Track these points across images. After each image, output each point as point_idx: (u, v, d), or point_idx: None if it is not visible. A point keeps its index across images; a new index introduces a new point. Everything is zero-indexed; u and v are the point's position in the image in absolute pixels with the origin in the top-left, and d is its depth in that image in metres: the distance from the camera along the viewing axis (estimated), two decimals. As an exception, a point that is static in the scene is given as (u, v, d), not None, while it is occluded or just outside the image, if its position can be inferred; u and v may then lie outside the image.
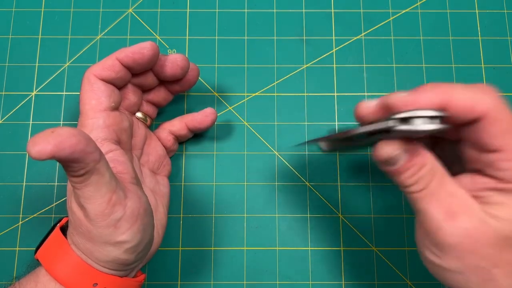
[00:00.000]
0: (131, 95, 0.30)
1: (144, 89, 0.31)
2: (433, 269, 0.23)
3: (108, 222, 0.23)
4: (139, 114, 0.32)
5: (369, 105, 0.24)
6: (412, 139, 0.22)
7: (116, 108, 0.28)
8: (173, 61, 0.29)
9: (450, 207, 0.21)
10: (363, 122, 0.25)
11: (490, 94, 0.21)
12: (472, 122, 0.21)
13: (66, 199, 0.34)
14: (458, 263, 0.21)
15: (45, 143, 0.19)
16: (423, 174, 0.22)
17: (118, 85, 0.29)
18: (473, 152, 0.22)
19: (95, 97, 0.27)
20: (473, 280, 0.21)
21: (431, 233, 0.22)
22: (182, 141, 0.35)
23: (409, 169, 0.22)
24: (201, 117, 0.32)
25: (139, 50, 0.27)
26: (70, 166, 0.21)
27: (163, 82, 0.31)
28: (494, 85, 0.37)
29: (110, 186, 0.23)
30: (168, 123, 0.33)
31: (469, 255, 0.21)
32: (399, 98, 0.21)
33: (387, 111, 0.22)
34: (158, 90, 0.32)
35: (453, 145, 0.25)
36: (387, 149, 0.22)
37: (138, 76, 0.30)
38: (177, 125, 0.33)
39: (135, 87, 0.31)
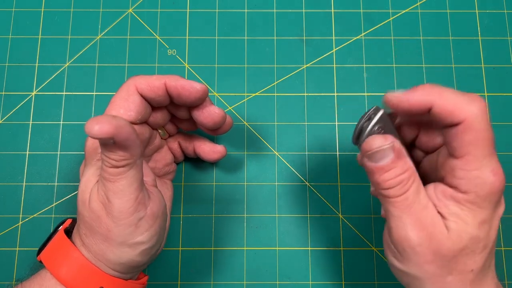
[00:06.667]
0: (159, 116, 0.29)
1: (174, 116, 0.31)
2: (394, 271, 0.25)
3: (131, 220, 0.24)
4: (159, 129, 0.31)
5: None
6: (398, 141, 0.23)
7: (140, 123, 0.28)
8: (210, 113, 0.28)
9: (421, 220, 0.22)
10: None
11: (474, 104, 0.21)
12: (451, 125, 0.22)
13: (66, 199, 0.34)
14: (417, 269, 0.23)
15: (107, 123, 0.21)
16: (404, 178, 0.23)
17: (153, 105, 0.28)
18: (443, 158, 0.23)
19: (126, 108, 0.27)
20: (429, 286, 0.23)
21: (397, 239, 0.23)
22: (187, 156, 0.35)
23: (393, 169, 0.23)
24: (209, 150, 0.32)
25: (189, 88, 0.27)
26: (116, 154, 0.22)
27: None
28: (493, 85, 0.37)
29: (141, 184, 0.24)
30: (180, 136, 0.33)
31: (428, 264, 0.22)
32: (393, 96, 0.23)
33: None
34: (187, 120, 0.31)
35: (429, 154, 0.26)
36: (378, 140, 0.23)
37: (175, 105, 0.29)
38: (187, 142, 0.33)
39: (167, 111, 0.30)
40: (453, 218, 0.22)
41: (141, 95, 0.27)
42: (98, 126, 0.20)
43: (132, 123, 0.27)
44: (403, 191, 0.23)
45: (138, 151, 0.23)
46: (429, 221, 0.22)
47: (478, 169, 0.22)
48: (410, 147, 0.27)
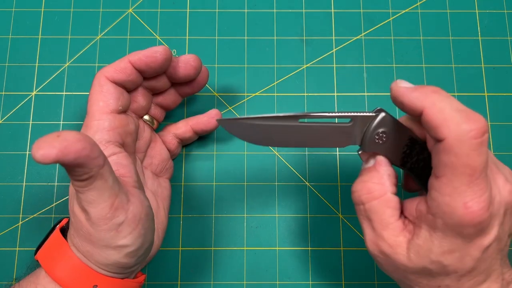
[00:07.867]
0: (140, 99, 0.30)
1: (155, 92, 0.31)
2: None
3: (110, 226, 0.23)
4: (146, 117, 0.31)
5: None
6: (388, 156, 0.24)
7: (123, 111, 0.28)
8: (186, 62, 0.29)
9: (382, 237, 0.23)
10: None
11: (466, 125, 0.19)
12: (436, 140, 0.20)
13: (66, 199, 0.34)
14: (388, 273, 0.25)
15: (50, 147, 0.19)
16: (371, 188, 0.24)
17: (129, 88, 0.29)
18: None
19: (104, 99, 0.27)
20: (402, 285, 0.25)
21: (366, 246, 0.25)
22: (186, 144, 0.35)
23: (366, 175, 0.24)
24: (207, 119, 0.32)
25: (152, 54, 0.27)
26: (74, 170, 0.21)
27: (174, 84, 0.31)
28: (493, 85, 0.37)
29: (113, 190, 0.23)
30: (173, 126, 0.33)
31: (392, 273, 0.24)
32: (398, 86, 0.22)
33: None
34: (168, 93, 0.32)
35: None
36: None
37: (150, 79, 0.30)
38: (182, 127, 0.33)
39: (146, 90, 0.30)
40: (419, 241, 0.22)
41: (114, 83, 0.27)
42: (41, 152, 0.19)
43: (115, 112, 0.27)
44: (363, 200, 0.24)
45: (97, 162, 0.21)
46: (390, 241, 0.23)
47: (450, 195, 0.20)
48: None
